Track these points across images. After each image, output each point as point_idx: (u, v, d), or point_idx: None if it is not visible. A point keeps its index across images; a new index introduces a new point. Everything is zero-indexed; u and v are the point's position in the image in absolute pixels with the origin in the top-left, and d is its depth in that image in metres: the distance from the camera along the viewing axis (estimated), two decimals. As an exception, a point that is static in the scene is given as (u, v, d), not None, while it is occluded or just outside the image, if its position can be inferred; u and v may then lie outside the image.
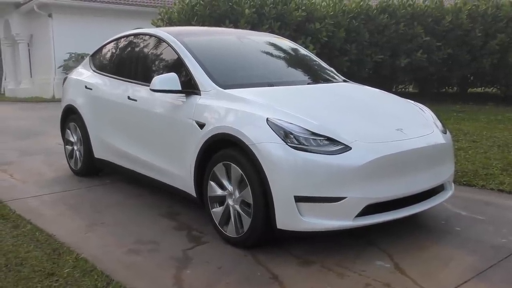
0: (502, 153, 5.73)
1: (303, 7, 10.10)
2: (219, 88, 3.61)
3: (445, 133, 3.66)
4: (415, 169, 3.22)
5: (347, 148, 2.99)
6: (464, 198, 4.20)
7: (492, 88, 13.61)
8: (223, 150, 3.32)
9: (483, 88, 13.84)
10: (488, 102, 11.44)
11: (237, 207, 3.22)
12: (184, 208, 4.07)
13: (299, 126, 3.06)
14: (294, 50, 4.87)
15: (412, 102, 4.05)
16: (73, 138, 5.28)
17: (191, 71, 3.79)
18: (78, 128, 5.14)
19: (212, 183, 3.40)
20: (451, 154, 3.66)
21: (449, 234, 3.47)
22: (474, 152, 5.83)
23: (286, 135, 3.01)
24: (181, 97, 3.76)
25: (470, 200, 4.19)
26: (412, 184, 3.19)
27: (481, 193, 4.43)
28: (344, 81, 4.52)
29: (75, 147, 5.25)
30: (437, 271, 2.89)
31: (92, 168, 5.14)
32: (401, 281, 2.77)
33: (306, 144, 2.98)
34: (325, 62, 4.93)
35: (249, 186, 3.09)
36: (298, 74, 4.54)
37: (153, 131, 4.08)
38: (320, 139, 3.01)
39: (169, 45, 4.16)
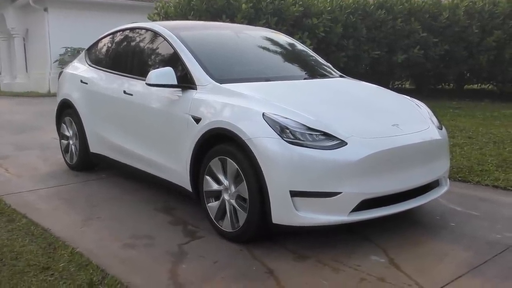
0: (498, 150, 5.75)
1: (300, 2, 10.06)
2: (215, 82, 3.60)
3: (441, 129, 3.67)
4: (410, 164, 3.22)
5: (343, 143, 2.99)
6: (459, 194, 4.22)
7: (488, 85, 13.63)
8: (219, 145, 3.32)
9: (479, 84, 13.86)
10: (484, 98, 11.46)
11: (233, 202, 3.22)
12: (180, 203, 4.07)
13: (295, 121, 3.06)
14: (291, 45, 4.86)
15: (408, 98, 4.05)
16: (68, 133, 5.27)
17: (187, 65, 3.78)
18: (73, 123, 5.12)
19: (208, 178, 3.39)
20: (446, 150, 3.67)
21: (444, 230, 3.48)
22: (469, 148, 5.84)
23: (282, 130, 3.00)
24: (177, 92, 3.75)
25: (465, 196, 4.21)
26: (408, 179, 3.20)
27: (476, 189, 4.44)
28: (341, 76, 4.52)
29: (71, 142, 5.24)
30: (432, 266, 2.90)
31: (87, 163, 5.12)
32: (396, 276, 2.78)
33: (302, 139, 2.98)
34: (322, 57, 4.92)
35: (245, 181, 3.09)
36: (295, 69, 4.54)
37: (149, 125, 4.07)
38: (316, 134, 3.01)
39: (165, 39, 4.14)
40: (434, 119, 3.75)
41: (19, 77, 19.31)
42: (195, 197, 3.60)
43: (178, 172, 3.69)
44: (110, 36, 5.11)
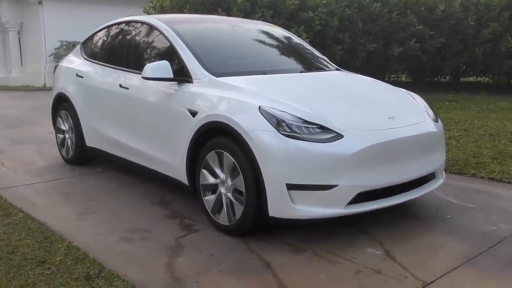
0: (493, 142, 5.77)
1: (296, -5, 10.04)
2: (212, 76, 3.59)
3: (437, 121, 3.67)
4: (406, 157, 3.23)
5: (339, 136, 3.00)
6: (455, 186, 4.23)
7: (484, 77, 13.65)
8: (216, 138, 3.32)
9: (475, 77, 13.88)
10: (480, 91, 11.47)
11: (230, 195, 3.22)
12: (176, 196, 4.07)
13: (291, 114, 3.06)
14: (287, 38, 4.85)
15: (404, 90, 4.05)
16: (64, 127, 5.25)
17: (183, 59, 3.77)
18: (69, 117, 5.11)
19: (204, 171, 3.39)
20: (442, 143, 3.68)
21: (440, 222, 3.50)
22: (465, 141, 5.86)
23: (278, 123, 3.00)
24: (173, 85, 3.74)
25: (461, 188, 4.23)
26: (404, 172, 3.21)
27: (471, 181, 4.46)
28: (337, 69, 4.52)
29: (67, 136, 5.22)
30: (428, 258, 2.91)
31: (83, 157, 5.11)
32: (392, 268, 2.79)
33: (298, 132, 2.98)
34: (318, 50, 4.91)
35: (241, 174, 3.09)
36: (291, 62, 4.53)
37: (145, 119, 4.06)
38: (312, 127, 3.01)
39: (161, 32, 4.13)
40: (430, 111, 3.75)
41: (14, 71, 19.18)
42: (191, 190, 3.60)
43: (175, 165, 3.69)
44: (106, 29, 5.08)
